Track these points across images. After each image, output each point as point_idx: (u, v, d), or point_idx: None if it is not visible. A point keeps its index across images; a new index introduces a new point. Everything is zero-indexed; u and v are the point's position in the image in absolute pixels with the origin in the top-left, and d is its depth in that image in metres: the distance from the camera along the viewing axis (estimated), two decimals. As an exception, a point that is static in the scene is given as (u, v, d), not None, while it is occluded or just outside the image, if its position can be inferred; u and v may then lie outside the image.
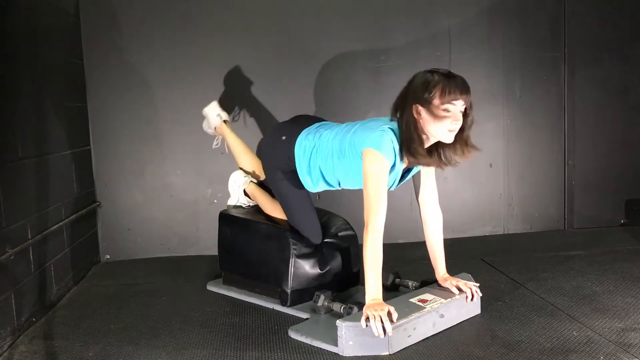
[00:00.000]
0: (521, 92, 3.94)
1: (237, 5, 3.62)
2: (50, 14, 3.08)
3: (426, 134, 2.34)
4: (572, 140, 4.01)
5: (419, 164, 2.42)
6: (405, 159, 2.40)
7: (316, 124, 2.72)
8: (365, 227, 2.32)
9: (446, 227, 3.85)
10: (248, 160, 3.14)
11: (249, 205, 3.20)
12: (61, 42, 3.22)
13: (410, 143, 2.33)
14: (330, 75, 3.72)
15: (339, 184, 2.64)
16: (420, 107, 2.31)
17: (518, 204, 4.00)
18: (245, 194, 3.15)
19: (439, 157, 2.40)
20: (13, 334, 2.40)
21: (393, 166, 2.38)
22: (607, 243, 3.64)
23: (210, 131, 3.27)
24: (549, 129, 4.00)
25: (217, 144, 3.29)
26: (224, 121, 3.22)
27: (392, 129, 2.37)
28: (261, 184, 3.10)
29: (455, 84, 2.28)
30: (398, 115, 2.37)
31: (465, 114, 2.32)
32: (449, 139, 2.33)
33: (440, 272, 2.63)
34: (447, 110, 2.28)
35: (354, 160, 2.46)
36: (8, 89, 2.50)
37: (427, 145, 2.37)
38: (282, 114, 2.91)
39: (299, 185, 2.71)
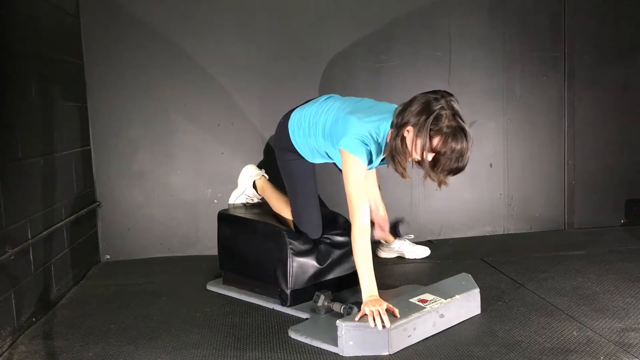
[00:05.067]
0: (521, 92, 3.94)
1: (238, 5, 3.62)
2: (50, 13, 3.08)
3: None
4: (572, 140, 4.01)
5: (396, 171, 2.44)
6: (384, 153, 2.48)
7: (310, 101, 2.84)
8: (351, 227, 2.39)
9: (446, 227, 3.90)
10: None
11: (252, 200, 3.21)
12: (61, 42, 3.21)
13: (396, 155, 2.38)
14: (331, 75, 3.72)
15: (329, 157, 2.74)
16: (412, 131, 2.32)
17: (518, 204, 4.00)
18: (254, 188, 3.19)
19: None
20: (13, 334, 2.40)
21: (370, 160, 2.49)
22: (607, 243, 3.64)
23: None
24: (549, 129, 4.00)
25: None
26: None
27: (369, 132, 2.43)
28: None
29: (456, 138, 2.26)
30: (397, 122, 2.37)
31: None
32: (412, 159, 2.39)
33: (380, 214, 3.00)
34: (432, 152, 2.30)
35: (331, 146, 2.59)
36: (8, 88, 2.50)
37: (409, 159, 2.41)
38: (282, 114, 2.91)
39: (306, 167, 2.80)
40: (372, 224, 2.81)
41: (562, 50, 3.94)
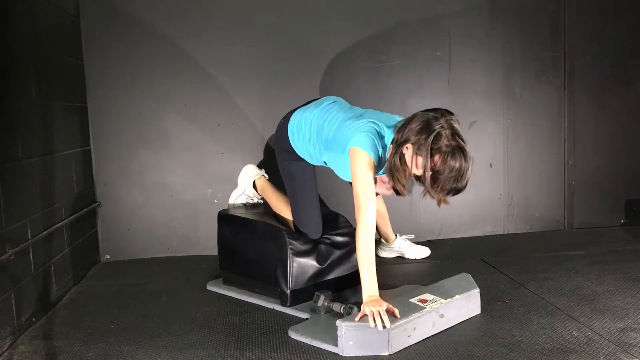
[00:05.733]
0: (521, 92, 3.94)
1: (237, 5, 3.62)
2: (50, 13, 3.08)
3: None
4: (572, 140, 4.01)
5: (396, 188, 2.45)
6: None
7: (312, 103, 2.83)
8: (356, 226, 2.39)
9: (446, 227, 3.90)
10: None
11: (252, 200, 3.21)
12: (61, 42, 3.21)
13: (395, 171, 2.39)
14: (331, 75, 3.72)
15: (325, 164, 2.73)
16: (411, 149, 2.33)
17: (518, 204, 4.00)
18: (254, 187, 3.19)
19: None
20: (13, 334, 2.40)
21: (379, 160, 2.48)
22: (607, 243, 3.64)
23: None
24: (549, 129, 4.00)
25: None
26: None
27: (376, 130, 2.45)
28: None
29: (454, 158, 2.26)
30: (397, 139, 2.38)
31: None
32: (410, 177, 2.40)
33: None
34: (431, 171, 2.29)
35: (339, 156, 2.55)
36: (8, 89, 2.50)
37: (409, 177, 2.41)
38: (282, 114, 2.91)
39: (306, 167, 2.80)
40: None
41: (562, 50, 3.94)
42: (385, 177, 2.81)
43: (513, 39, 3.89)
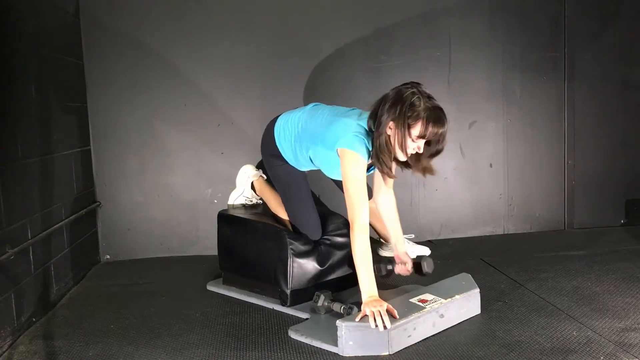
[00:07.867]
0: (521, 92, 3.95)
1: (237, 5, 3.62)
2: (50, 13, 3.08)
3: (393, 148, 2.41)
4: (572, 140, 4.01)
5: (382, 172, 2.47)
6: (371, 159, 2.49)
7: (296, 109, 2.83)
8: (350, 227, 2.38)
9: (446, 227, 3.91)
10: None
11: (251, 201, 3.21)
12: (61, 42, 3.21)
13: (381, 154, 2.40)
14: (330, 75, 3.72)
15: (313, 164, 2.72)
16: (394, 125, 2.36)
17: (518, 204, 4.00)
18: (252, 188, 3.19)
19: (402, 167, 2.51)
20: (13, 334, 2.40)
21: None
22: (607, 243, 3.64)
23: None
24: (549, 129, 4.00)
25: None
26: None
27: (364, 128, 2.45)
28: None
29: (437, 120, 2.32)
30: (375, 123, 2.40)
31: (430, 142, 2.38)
32: (402, 157, 2.42)
33: (400, 249, 2.79)
34: (418, 140, 2.34)
35: (325, 152, 2.55)
36: (8, 89, 2.50)
37: (394, 158, 2.44)
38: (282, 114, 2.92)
39: (295, 170, 2.79)
40: (393, 260, 2.80)
41: (562, 50, 3.95)
42: (404, 257, 2.77)
43: (513, 39, 3.90)
